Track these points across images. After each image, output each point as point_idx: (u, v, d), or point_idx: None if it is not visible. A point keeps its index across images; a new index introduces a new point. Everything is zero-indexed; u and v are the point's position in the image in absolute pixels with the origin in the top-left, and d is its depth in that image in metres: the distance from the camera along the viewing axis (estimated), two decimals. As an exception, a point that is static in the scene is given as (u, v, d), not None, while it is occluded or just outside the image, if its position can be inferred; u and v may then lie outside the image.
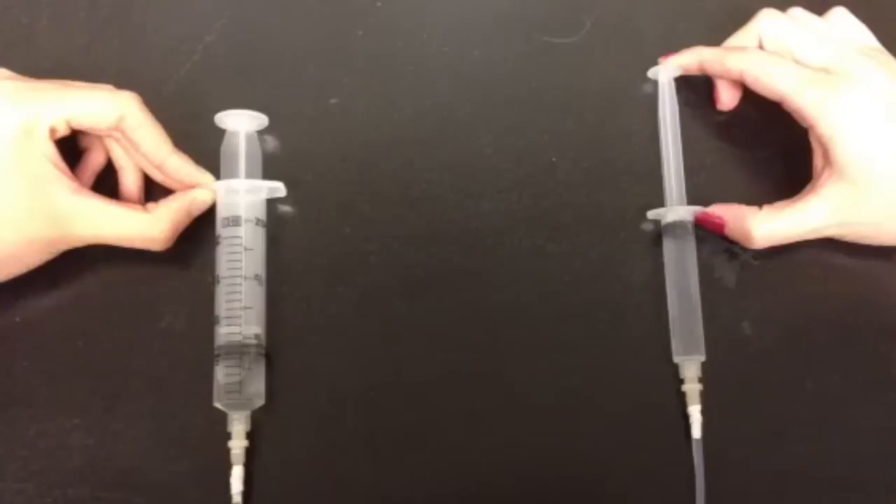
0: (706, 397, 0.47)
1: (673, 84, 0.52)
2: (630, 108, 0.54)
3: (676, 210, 0.49)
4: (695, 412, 0.46)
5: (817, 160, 0.48)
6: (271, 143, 0.52)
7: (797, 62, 0.48)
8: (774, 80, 0.47)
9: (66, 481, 0.46)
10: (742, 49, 0.49)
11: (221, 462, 0.46)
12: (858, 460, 0.47)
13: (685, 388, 0.47)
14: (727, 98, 0.52)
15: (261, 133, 0.51)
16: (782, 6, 0.51)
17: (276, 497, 0.46)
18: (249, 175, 0.49)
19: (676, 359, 0.48)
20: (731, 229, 0.49)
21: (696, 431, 0.46)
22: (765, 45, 0.50)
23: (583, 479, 0.47)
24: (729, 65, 0.49)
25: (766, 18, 0.50)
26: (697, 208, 0.49)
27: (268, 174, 0.50)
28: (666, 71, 0.52)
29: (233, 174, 0.48)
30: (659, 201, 0.51)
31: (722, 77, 0.51)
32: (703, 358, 0.47)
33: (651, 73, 0.53)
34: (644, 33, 0.56)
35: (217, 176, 0.49)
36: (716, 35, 0.52)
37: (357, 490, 0.46)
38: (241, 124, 0.49)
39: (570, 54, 0.55)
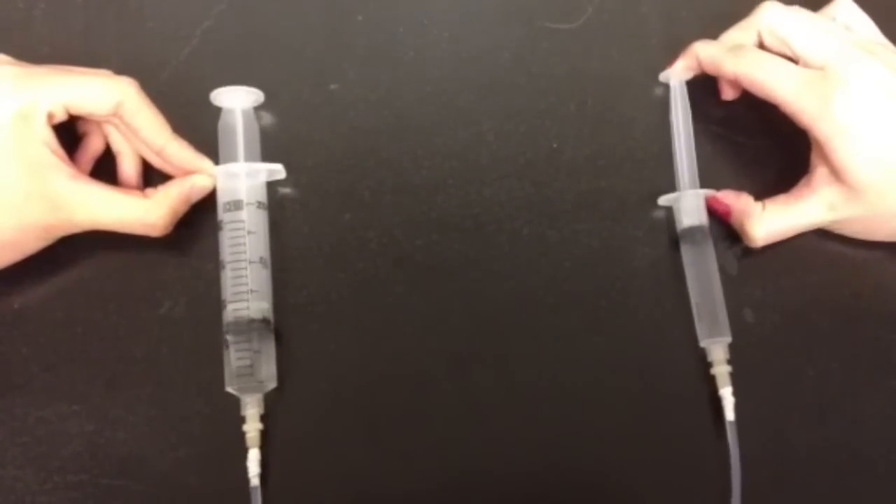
0: (708, 384, 0.47)
1: (685, 87, 0.52)
2: (632, 95, 0.53)
3: (688, 195, 0.49)
4: (727, 394, 0.46)
5: (815, 156, 0.48)
6: (268, 119, 0.52)
7: (795, 57, 0.47)
8: (770, 85, 0.47)
9: (66, 468, 0.46)
10: (738, 50, 0.48)
11: (222, 449, 0.46)
12: (859, 447, 0.47)
13: (714, 370, 0.47)
14: (729, 92, 0.52)
15: (257, 109, 0.51)
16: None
17: (285, 481, 0.46)
18: (248, 151, 0.48)
19: (703, 343, 0.47)
20: (735, 221, 0.49)
21: (730, 413, 0.46)
22: (764, 38, 0.49)
23: (582, 467, 0.47)
24: (726, 67, 0.49)
25: (767, 12, 0.49)
26: (709, 191, 0.49)
27: (267, 160, 0.49)
28: (676, 74, 0.51)
29: (231, 152, 0.48)
30: (660, 188, 0.50)
31: (720, 76, 0.51)
32: (729, 339, 0.47)
33: (662, 76, 0.52)
34: (646, 19, 0.55)
35: (216, 154, 0.49)
36: (717, 21, 0.52)
37: (360, 476, 0.46)
38: (237, 101, 0.49)
39: (572, 40, 0.55)
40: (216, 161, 0.49)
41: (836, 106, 0.45)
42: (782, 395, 0.48)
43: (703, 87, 0.53)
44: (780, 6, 0.49)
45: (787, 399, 0.48)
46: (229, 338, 0.46)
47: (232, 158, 0.48)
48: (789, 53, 0.48)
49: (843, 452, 0.47)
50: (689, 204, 0.49)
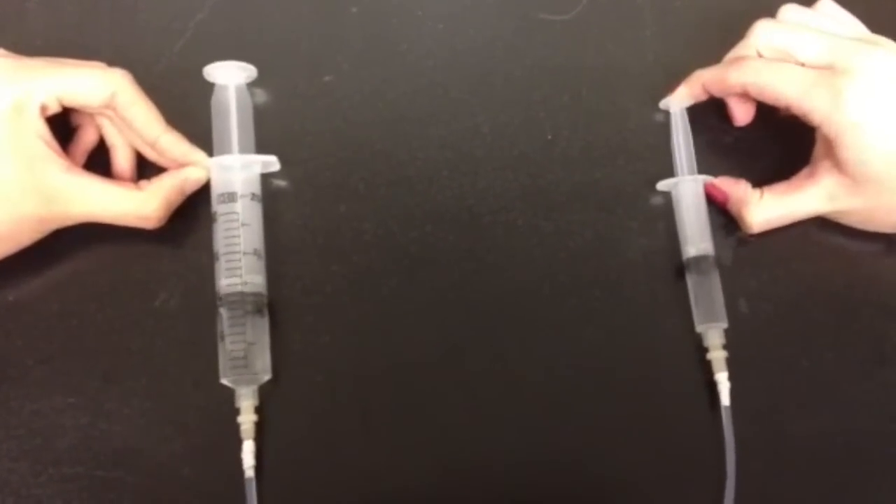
0: (702, 373, 0.47)
1: (685, 114, 0.51)
2: (626, 86, 0.53)
3: (686, 180, 0.50)
4: (722, 379, 0.46)
5: (819, 148, 0.48)
6: (263, 111, 0.51)
7: (801, 65, 0.47)
8: (778, 89, 0.46)
9: (61, 460, 0.46)
10: (740, 61, 0.48)
11: (217, 440, 0.46)
12: (852, 436, 0.47)
13: (710, 356, 0.47)
14: (741, 114, 0.51)
15: (250, 86, 0.51)
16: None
17: (281, 472, 0.46)
18: (242, 129, 0.48)
19: (699, 328, 0.47)
20: (732, 208, 0.50)
21: (725, 398, 0.46)
22: (764, 56, 0.48)
23: (579, 455, 0.47)
24: (730, 81, 0.48)
25: (761, 30, 0.48)
26: (707, 177, 0.50)
27: (261, 152, 0.49)
28: (677, 102, 0.51)
29: (225, 129, 0.48)
30: (655, 178, 0.50)
31: (728, 95, 0.50)
32: (725, 325, 0.47)
33: (662, 104, 0.52)
34: (640, 10, 0.55)
35: (210, 147, 0.48)
36: (711, 11, 0.52)
37: (355, 468, 0.46)
38: (230, 77, 0.49)
39: (566, 31, 0.55)
40: (210, 152, 0.48)
41: (848, 100, 0.44)
42: (776, 385, 0.48)
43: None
44: (772, 21, 0.49)
45: (781, 389, 0.48)
46: (223, 311, 0.46)
47: (225, 134, 0.48)
48: (794, 63, 0.47)
49: (836, 442, 0.47)
50: (693, 231, 0.49)
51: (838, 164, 0.46)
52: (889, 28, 0.48)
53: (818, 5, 0.50)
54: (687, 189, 0.50)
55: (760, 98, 0.48)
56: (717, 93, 0.50)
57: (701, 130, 0.52)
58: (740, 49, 0.49)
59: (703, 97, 0.50)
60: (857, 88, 0.44)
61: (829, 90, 0.45)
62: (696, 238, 0.49)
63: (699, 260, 0.48)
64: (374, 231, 0.50)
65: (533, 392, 0.48)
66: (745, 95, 0.49)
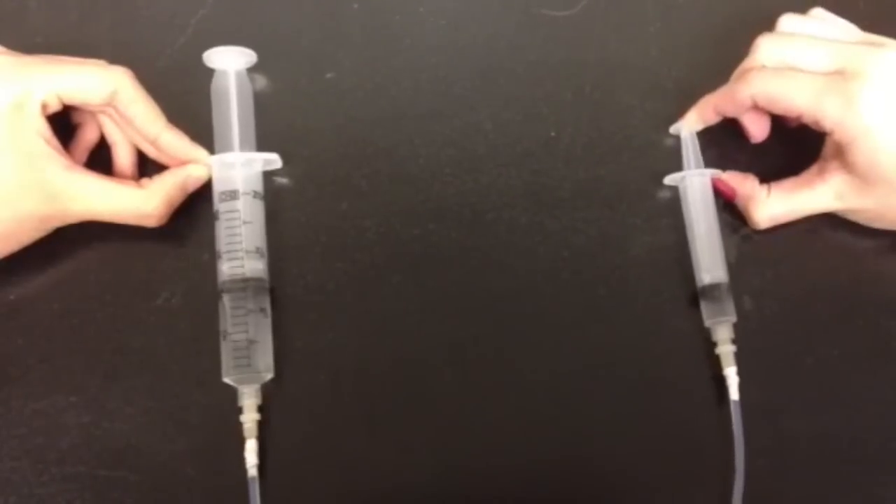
0: (708, 369, 0.47)
1: (696, 139, 0.50)
2: (630, 82, 0.53)
3: (693, 174, 0.49)
4: (731, 374, 0.46)
5: (828, 148, 0.48)
6: (264, 108, 0.51)
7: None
8: (788, 97, 0.45)
9: (63, 459, 0.46)
10: (747, 74, 0.47)
11: (219, 439, 0.45)
12: (858, 435, 0.47)
13: (719, 350, 0.47)
14: (757, 130, 0.50)
15: (250, 71, 0.51)
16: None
17: (284, 471, 0.46)
18: (242, 119, 0.48)
19: (708, 322, 0.47)
20: (739, 204, 0.50)
21: (734, 393, 0.46)
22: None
23: (585, 453, 0.47)
24: (740, 96, 0.47)
25: (765, 46, 0.47)
26: (715, 171, 0.49)
27: (263, 150, 0.49)
28: (688, 126, 0.50)
29: (225, 119, 0.48)
30: (659, 175, 0.50)
31: (739, 113, 0.49)
32: (734, 319, 0.47)
33: (673, 129, 0.51)
34: (643, 5, 0.55)
35: (211, 144, 0.48)
36: (715, 6, 0.52)
37: (358, 467, 0.46)
38: (230, 62, 0.49)
39: (569, 27, 0.55)
40: (212, 151, 0.48)
41: (862, 104, 0.44)
42: (781, 382, 0.48)
43: (703, 67, 0.52)
44: (775, 36, 0.48)
45: (786, 386, 0.48)
46: (226, 301, 0.45)
47: (226, 127, 0.48)
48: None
49: (841, 439, 0.47)
50: (706, 258, 0.48)
51: (848, 165, 0.46)
52: (889, 28, 0.48)
53: (812, 12, 0.49)
54: (694, 184, 0.49)
55: (771, 109, 0.47)
56: (728, 112, 0.49)
57: (709, 127, 0.51)
58: (745, 66, 0.48)
59: (713, 120, 0.50)
60: (871, 91, 0.44)
61: (842, 95, 0.44)
62: (709, 265, 0.48)
63: (713, 287, 0.48)
64: (376, 228, 0.50)
65: (538, 389, 0.47)
66: (757, 110, 0.48)
